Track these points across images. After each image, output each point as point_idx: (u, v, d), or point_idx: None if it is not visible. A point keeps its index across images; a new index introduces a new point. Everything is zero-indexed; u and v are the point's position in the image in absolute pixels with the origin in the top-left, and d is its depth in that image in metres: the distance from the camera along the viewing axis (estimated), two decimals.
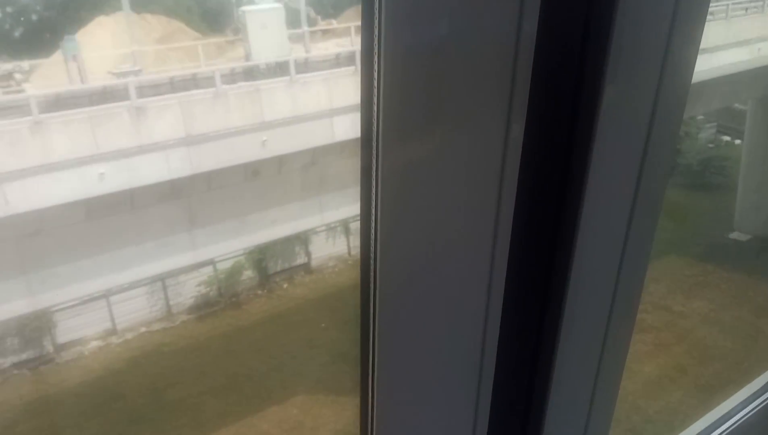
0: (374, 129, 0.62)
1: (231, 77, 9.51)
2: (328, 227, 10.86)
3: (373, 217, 0.66)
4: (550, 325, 0.83)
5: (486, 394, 0.84)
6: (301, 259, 11.10)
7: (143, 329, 9.50)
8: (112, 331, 9.38)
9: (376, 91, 0.61)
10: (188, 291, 10.01)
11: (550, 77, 0.68)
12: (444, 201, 0.67)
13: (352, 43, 10.01)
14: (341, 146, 8.91)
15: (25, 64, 11.45)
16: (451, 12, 0.59)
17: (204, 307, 10.03)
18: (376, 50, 0.59)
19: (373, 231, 0.67)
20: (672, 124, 0.78)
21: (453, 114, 0.63)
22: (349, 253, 11.12)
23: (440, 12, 0.59)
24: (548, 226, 0.77)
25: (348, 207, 9.41)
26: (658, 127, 0.75)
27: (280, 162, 8.98)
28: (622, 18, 0.65)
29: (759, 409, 1.48)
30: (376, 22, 0.58)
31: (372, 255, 0.68)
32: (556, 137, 0.73)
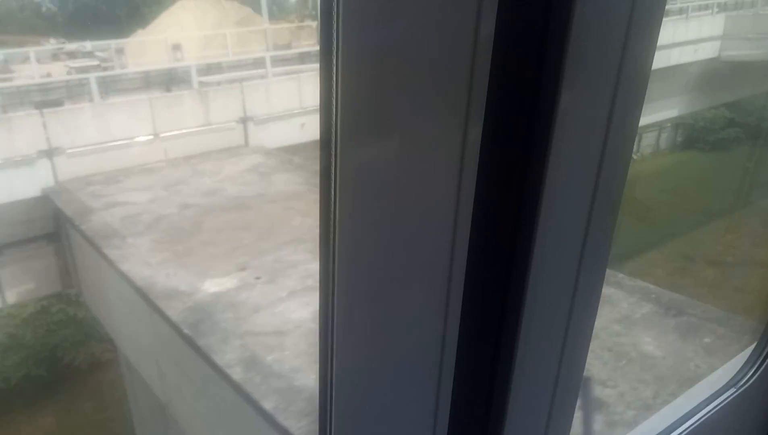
0: (333, 130, 0.62)
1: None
2: None
3: (332, 218, 0.66)
4: (509, 328, 0.83)
5: (445, 398, 0.84)
6: None
7: None
8: None
9: (334, 91, 0.60)
10: None
11: (507, 80, 0.68)
12: (402, 202, 0.67)
13: None
14: None
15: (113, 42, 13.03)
16: (408, 13, 0.59)
17: None
18: (334, 50, 0.58)
19: (331, 232, 0.66)
20: (629, 127, 0.79)
21: (410, 116, 0.63)
22: None
23: (397, 13, 0.58)
24: (507, 228, 0.78)
25: None
26: (616, 130, 0.76)
27: None
28: (579, 20, 0.66)
29: (720, 408, 1.51)
30: (334, 21, 0.58)
31: (331, 256, 0.68)
32: (514, 140, 0.73)
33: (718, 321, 5.29)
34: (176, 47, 13.60)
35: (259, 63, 13.39)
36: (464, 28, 0.62)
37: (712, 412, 1.49)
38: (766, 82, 13.14)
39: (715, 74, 14.43)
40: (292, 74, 13.02)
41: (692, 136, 15.01)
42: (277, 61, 13.50)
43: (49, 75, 12.13)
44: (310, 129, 11.80)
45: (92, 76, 11.32)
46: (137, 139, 10.73)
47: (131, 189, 9.43)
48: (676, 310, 5.47)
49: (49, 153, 9.91)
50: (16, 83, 11.89)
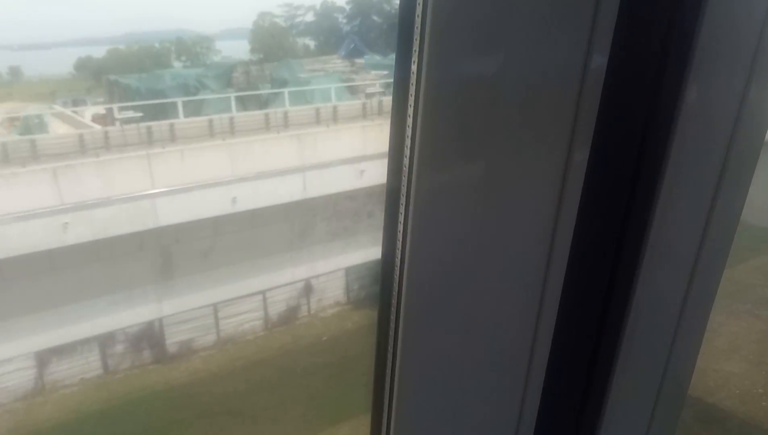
0: (406, 157, 0.62)
1: None
2: None
3: (401, 237, 0.67)
4: (609, 338, 0.80)
5: (532, 406, 0.83)
6: None
7: None
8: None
9: (411, 120, 0.60)
10: None
11: (618, 106, 0.66)
12: (487, 225, 0.66)
13: None
14: None
15: None
16: (509, 43, 0.57)
17: None
18: (413, 78, 0.58)
19: (399, 256, 0.67)
20: (748, 161, 0.72)
21: (503, 143, 0.62)
22: None
23: (495, 42, 0.57)
24: (610, 241, 0.75)
25: None
26: (732, 169, 0.70)
27: None
28: (699, 64, 0.62)
29: None
30: (416, 49, 0.57)
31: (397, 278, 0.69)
32: (623, 166, 0.70)
33: None
34: None
35: None
36: (574, 59, 0.60)
37: None
38: None
39: None
40: None
41: None
42: None
43: None
44: None
45: None
46: None
47: None
48: None
49: None
50: None
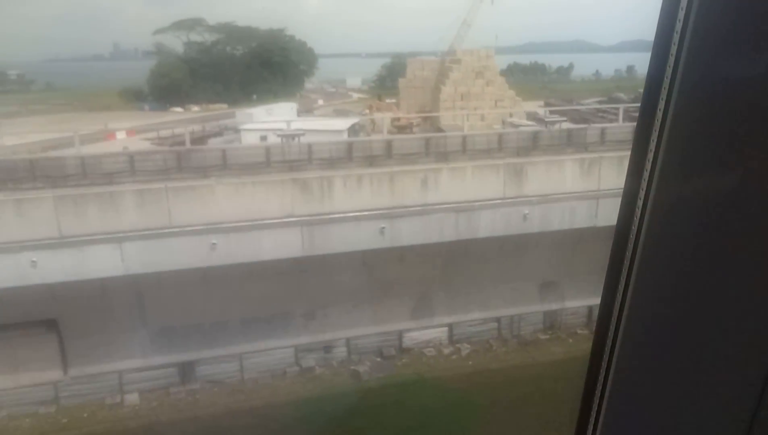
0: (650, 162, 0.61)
1: None
2: None
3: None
4: None
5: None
6: None
7: None
8: None
9: (657, 130, 0.59)
10: None
11: None
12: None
13: None
14: None
15: None
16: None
17: None
18: (666, 85, 0.57)
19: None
20: None
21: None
22: None
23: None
24: None
25: None
26: None
27: None
28: None
29: None
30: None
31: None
32: None
33: None
34: None
35: None
36: None
37: None
38: None
39: None
40: None
41: None
42: None
43: None
44: None
45: None
46: None
47: None
48: None
49: None
50: None
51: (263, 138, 21.69)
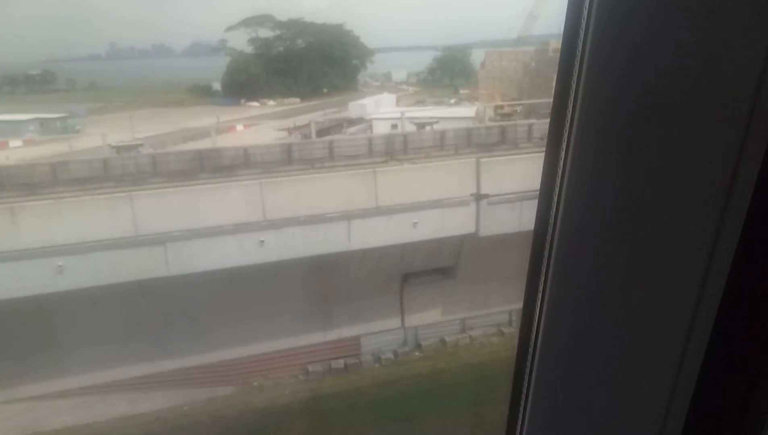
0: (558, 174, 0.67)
1: None
2: None
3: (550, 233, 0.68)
4: None
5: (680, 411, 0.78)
6: None
7: None
8: None
9: (565, 142, 0.64)
10: None
11: None
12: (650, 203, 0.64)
13: None
14: None
15: None
16: (677, 56, 0.57)
17: None
18: (571, 102, 0.62)
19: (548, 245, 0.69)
20: None
21: (664, 161, 0.61)
22: None
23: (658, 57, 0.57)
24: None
25: None
26: None
27: None
28: None
29: None
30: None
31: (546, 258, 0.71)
32: None
33: None
34: None
35: None
36: (744, 86, 0.59)
37: None
38: None
39: None
40: None
41: None
42: None
43: None
44: None
45: None
46: None
47: None
48: None
49: None
50: None
51: (394, 126, 22.67)
